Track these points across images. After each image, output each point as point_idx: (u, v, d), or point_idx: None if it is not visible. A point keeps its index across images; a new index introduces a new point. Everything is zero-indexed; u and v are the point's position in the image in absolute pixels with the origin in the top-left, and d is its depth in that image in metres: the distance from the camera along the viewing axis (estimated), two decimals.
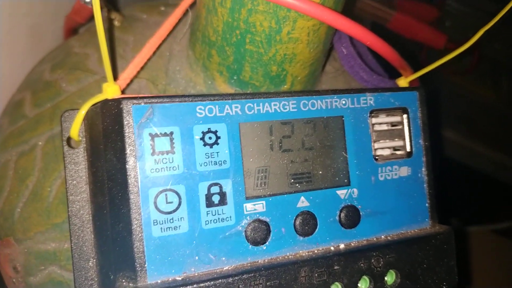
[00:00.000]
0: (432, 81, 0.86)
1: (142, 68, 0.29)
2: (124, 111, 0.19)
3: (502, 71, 0.90)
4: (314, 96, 0.23)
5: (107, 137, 0.20)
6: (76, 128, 0.23)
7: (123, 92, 0.25)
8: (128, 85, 0.26)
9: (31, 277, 0.27)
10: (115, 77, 0.27)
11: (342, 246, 0.23)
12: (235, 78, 0.27)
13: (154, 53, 0.29)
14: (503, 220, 0.89)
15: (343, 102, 0.24)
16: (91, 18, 0.38)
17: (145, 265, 0.19)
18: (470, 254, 0.89)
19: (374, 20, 0.58)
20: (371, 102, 0.24)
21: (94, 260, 0.23)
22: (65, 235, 0.27)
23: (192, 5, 0.28)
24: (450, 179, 0.85)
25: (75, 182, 0.23)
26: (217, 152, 0.21)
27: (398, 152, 0.25)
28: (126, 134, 0.19)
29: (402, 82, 0.29)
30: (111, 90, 0.23)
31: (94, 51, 0.32)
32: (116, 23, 0.34)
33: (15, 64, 0.39)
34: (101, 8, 0.34)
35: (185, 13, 0.28)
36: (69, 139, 0.23)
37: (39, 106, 0.30)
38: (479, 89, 0.86)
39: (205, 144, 0.21)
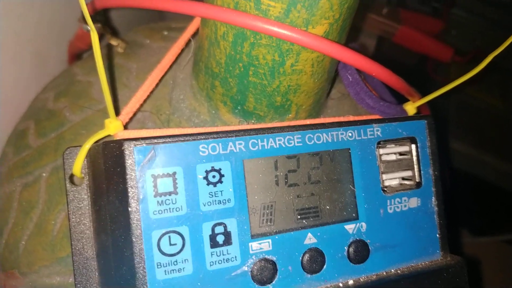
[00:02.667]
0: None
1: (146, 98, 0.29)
2: (126, 153, 0.19)
3: (510, 80, 0.89)
4: (320, 130, 0.23)
5: (109, 179, 0.20)
6: (78, 165, 0.22)
7: (126, 126, 0.25)
8: (130, 119, 0.26)
9: None
10: (118, 109, 0.27)
11: (351, 282, 0.23)
12: (239, 108, 0.26)
13: (158, 82, 0.29)
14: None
15: (349, 134, 0.23)
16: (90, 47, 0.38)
17: None
18: (481, 265, 0.87)
19: (381, 34, 0.58)
20: (378, 133, 0.24)
21: None
22: (70, 269, 0.26)
23: (194, 34, 0.28)
24: (458, 190, 0.84)
25: (78, 219, 0.23)
26: (221, 191, 0.20)
27: (407, 183, 0.25)
28: (128, 176, 0.19)
29: (410, 107, 0.28)
30: (113, 126, 0.22)
31: (97, 79, 0.32)
32: (119, 49, 0.34)
33: (20, 90, 0.39)
34: (104, 34, 0.34)
35: (188, 42, 0.28)
36: (71, 176, 0.23)
37: (43, 136, 0.30)
38: (487, 98, 0.85)
39: (208, 183, 0.20)
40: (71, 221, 0.23)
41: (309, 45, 0.21)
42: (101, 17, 0.33)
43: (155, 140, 0.20)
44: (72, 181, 0.23)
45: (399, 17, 0.56)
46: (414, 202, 0.25)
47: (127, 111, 0.24)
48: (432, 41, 0.55)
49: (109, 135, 0.23)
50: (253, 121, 0.27)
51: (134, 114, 0.25)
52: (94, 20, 0.32)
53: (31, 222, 0.28)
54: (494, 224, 0.89)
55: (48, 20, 0.39)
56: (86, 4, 0.28)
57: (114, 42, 0.34)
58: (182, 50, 0.29)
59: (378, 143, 0.24)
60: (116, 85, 0.31)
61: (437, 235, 0.25)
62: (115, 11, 0.47)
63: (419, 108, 0.29)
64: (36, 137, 0.31)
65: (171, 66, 0.30)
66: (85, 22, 0.31)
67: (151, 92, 0.27)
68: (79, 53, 0.40)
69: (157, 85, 0.28)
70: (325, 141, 0.23)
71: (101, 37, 0.36)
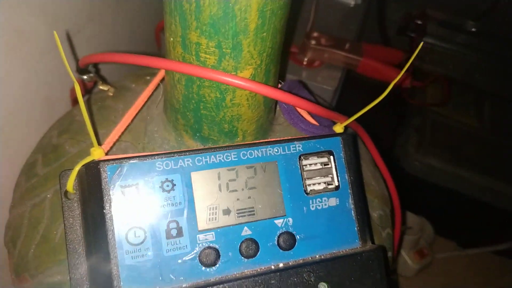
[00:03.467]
0: (418, 113, 0.92)
1: (127, 130, 0.36)
2: (101, 170, 0.26)
3: (484, 99, 0.95)
4: (252, 147, 0.30)
5: (90, 190, 0.27)
6: (70, 183, 0.30)
7: (107, 153, 0.32)
8: (112, 147, 0.33)
9: None
10: (102, 142, 0.34)
11: (281, 265, 0.29)
12: (197, 135, 0.34)
13: (136, 116, 0.37)
14: (499, 242, 0.91)
15: (276, 150, 0.30)
16: (92, 88, 0.46)
17: (120, 285, 0.26)
18: (471, 276, 0.91)
19: (345, 67, 0.65)
20: (300, 148, 0.31)
21: (87, 286, 0.29)
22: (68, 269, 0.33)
23: (162, 80, 0.36)
24: (442, 204, 0.88)
25: (71, 225, 0.30)
26: (174, 196, 0.28)
27: (329, 187, 0.32)
28: (103, 186, 0.26)
29: (338, 128, 0.35)
30: (96, 153, 0.30)
31: (92, 118, 0.40)
32: (109, 93, 0.42)
33: (31, 131, 0.47)
34: (97, 81, 0.42)
35: (158, 86, 0.36)
36: (66, 192, 0.31)
37: (48, 165, 0.38)
38: (463, 117, 0.91)
39: (163, 191, 0.27)
40: (66, 226, 0.30)
41: (236, 85, 0.28)
42: (93, 68, 0.41)
43: (122, 161, 0.27)
44: (66, 196, 0.31)
45: (361, 50, 0.64)
46: (333, 201, 0.31)
47: (108, 141, 0.32)
48: (391, 69, 0.62)
49: (93, 160, 0.30)
50: (210, 144, 0.34)
51: (115, 144, 0.33)
52: (87, 72, 0.40)
53: (38, 234, 0.35)
54: (480, 236, 0.93)
55: (55, 70, 0.48)
56: (78, 60, 0.36)
57: (104, 87, 0.42)
58: (156, 91, 0.37)
59: (300, 156, 0.31)
60: (106, 123, 0.39)
61: (356, 228, 0.31)
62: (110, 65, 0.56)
63: (349, 126, 0.36)
64: (43, 166, 0.38)
65: (149, 104, 0.38)
66: (80, 73, 0.40)
67: (130, 126, 0.35)
68: None
69: (135, 119, 0.36)
70: (256, 156, 0.30)
71: (95, 84, 0.44)
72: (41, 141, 0.43)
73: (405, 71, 0.64)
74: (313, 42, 0.63)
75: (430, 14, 0.98)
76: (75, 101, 0.48)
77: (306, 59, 0.65)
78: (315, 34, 0.64)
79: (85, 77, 0.41)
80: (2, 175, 0.43)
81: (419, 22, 0.95)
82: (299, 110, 0.36)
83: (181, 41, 0.29)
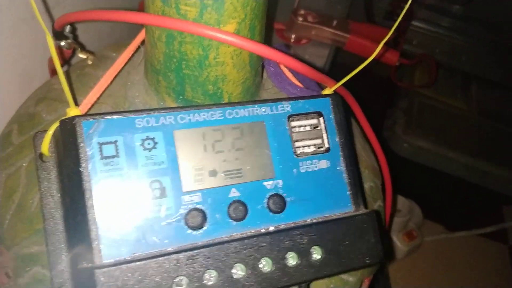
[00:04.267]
0: (406, 95, 0.92)
1: (107, 95, 0.35)
2: (77, 125, 0.25)
3: (471, 81, 0.95)
4: (238, 106, 0.28)
5: (65, 148, 0.25)
6: (45, 144, 0.28)
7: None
8: (90, 109, 0.31)
9: (19, 278, 0.32)
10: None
11: (271, 228, 0.28)
12: (180, 98, 0.32)
13: (116, 82, 0.35)
14: (487, 224, 0.92)
15: (263, 110, 0.29)
16: (70, 58, 0.44)
17: (100, 248, 0.24)
18: (459, 258, 0.91)
19: (333, 44, 0.64)
20: (288, 109, 0.30)
21: (66, 255, 0.28)
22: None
23: (143, 42, 0.34)
24: (430, 187, 0.88)
25: (47, 189, 0.28)
26: (155, 155, 0.26)
27: (319, 149, 0.30)
28: (79, 143, 0.24)
29: (327, 91, 0.34)
30: (72, 113, 0.28)
31: (69, 85, 0.38)
32: (88, 61, 0.40)
33: (8, 104, 0.44)
34: (75, 48, 0.40)
35: (138, 48, 0.34)
36: (41, 155, 0.29)
37: (24, 134, 0.36)
38: (450, 100, 0.91)
39: (144, 149, 0.26)
40: (41, 190, 0.28)
41: (219, 39, 0.27)
42: (70, 34, 0.39)
43: (99, 116, 0.25)
44: (41, 159, 0.29)
45: (348, 28, 0.63)
46: (324, 164, 0.30)
47: (85, 102, 0.30)
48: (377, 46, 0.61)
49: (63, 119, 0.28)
50: None
51: (93, 106, 0.31)
52: (64, 37, 0.38)
53: (13, 203, 0.33)
54: (467, 219, 0.94)
55: (31, 42, 0.46)
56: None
57: (83, 55, 0.40)
58: (136, 57, 0.35)
59: (289, 117, 0.30)
60: (84, 89, 0.37)
61: (348, 192, 0.30)
62: (92, 33, 0.54)
63: (335, 91, 0.35)
64: (18, 135, 0.36)
65: (129, 70, 0.36)
66: (57, 38, 0.38)
67: (109, 89, 0.33)
68: None
69: (115, 84, 0.34)
70: (243, 116, 0.28)
71: (73, 54, 0.42)
72: (18, 112, 0.40)
73: (393, 50, 0.63)
74: (300, 19, 0.62)
75: None
76: (53, 72, 0.46)
77: (293, 36, 0.63)
78: (302, 11, 0.63)
79: (62, 43, 0.39)
80: None
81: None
82: (286, 73, 0.34)
83: None
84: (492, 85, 0.95)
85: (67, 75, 0.41)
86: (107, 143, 0.25)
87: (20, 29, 0.44)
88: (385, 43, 0.66)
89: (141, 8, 0.63)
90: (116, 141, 0.25)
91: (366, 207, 0.32)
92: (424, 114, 0.85)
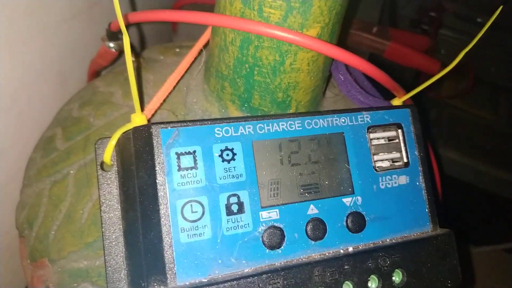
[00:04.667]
0: (435, 106, 0.90)
1: (164, 102, 0.33)
2: (154, 134, 0.23)
3: (500, 93, 0.93)
4: (317, 116, 0.26)
5: (138, 158, 0.23)
6: (108, 153, 0.26)
7: (148, 121, 0.28)
8: (152, 116, 0.29)
9: None
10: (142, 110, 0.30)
11: (350, 249, 0.26)
12: (246, 105, 0.30)
13: (174, 88, 0.33)
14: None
15: (343, 120, 0.27)
16: (114, 61, 0.42)
17: (174, 269, 0.22)
18: (483, 274, 0.89)
19: (372, 51, 0.62)
20: (368, 120, 0.28)
21: (126, 271, 0.25)
22: (96, 253, 0.29)
23: (205, 45, 0.32)
24: (458, 200, 0.86)
25: (108, 201, 0.26)
26: (234, 167, 0.24)
27: (397, 164, 0.28)
28: (156, 153, 0.22)
29: (396, 102, 0.32)
30: (139, 120, 0.26)
31: (118, 89, 0.36)
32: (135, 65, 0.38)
33: (44, 105, 0.42)
34: (123, 51, 0.38)
35: (200, 53, 0.32)
36: (102, 164, 0.27)
37: (70, 139, 0.34)
38: (479, 111, 0.89)
39: (223, 160, 0.24)
40: (102, 202, 0.26)
41: (304, 44, 0.25)
42: (121, 35, 0.37)
43: (178, 124, 0.23)
44: (102, 168, 0.27)
45: (388, 35, 0.61)
46: (403, 179, 0.28)
47: (150, 108, 0.28)
48: (420, 55, 0.59)
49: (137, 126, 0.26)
50: None
51: (155, 112, 0.29)
52: (116, 38, 0.36)
53: (60, 213, 0.31)
54: (495, 233, 0.91)
55: (69, 42, 0.44)
56: (111, 23, 0.32)
57: (132, 58, 0.38)
58: (194, 61, 0.33)
59: (368, 128, 0.28)
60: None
61: (426, 210, 0.28)
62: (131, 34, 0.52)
63: (404, 103, 0.33)
64: (64, 141, 0.34)
65: (184, 75, 0.34)
66: (108, 39, 0.36)
67: (168, 97, 0.31)
68: (98, 71, 0.44)
69: (173, 90, 0.32)
70: (321, 126, 0.26)
71: (120, 54, 0.40)
72: (59, 115, 0.38)
73: (435, 59, 0.61)
74: None
75: (446, 6, 0.96)
76: (93, 75, 0.44)
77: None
78: None
79: (111, 44, 0.37)
80: (15, 150, 0.39)
81: (433, 14, 0.93)
82: (356, 81, 0.33)
83: None
84: None
85: (111, 77, 0.39)
86: (185, 153, 0.23)
87: (61, 29, 0.42)
88: (422, 51, 0.64)
89: (177, 7, 0.61)
90: (194, 152, 0.23)
91: (442, 225, 0.30)
92: (455, 125, 0.83)
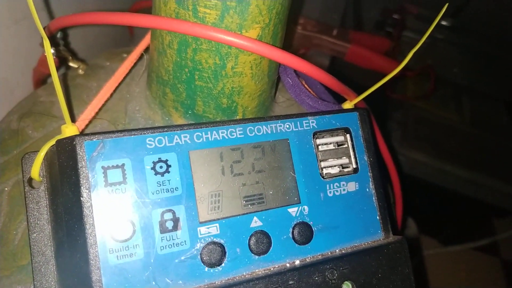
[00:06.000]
0: (400, 107, 0.90)
1: (104, 110, 0.31)
2: (77, 147, 0.21)
3: (463, 93, 0.95)
4: (260, 122, 0.25)
5: (62, 173, 0.21)
6: (36, 168, 0.24)
7: (82, 132, 0.26)
8: (87, 126, 0.28)
9: None
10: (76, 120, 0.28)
11: (297, 262, 0.24)
12: (189, 112, 0.29)
13: (114, 95, 0.31)
14: (481, 237, 0.91)
15: (287, 126, 0.26)
16: (58, 68, 0.40)
17: None
18: (453, 273, 0.89)
19: (333, 54, 0.62)
20: (314, 125, 0.26)
21: None
22: (30, 277, 0.27)
23: (146, 50, 0.31)
24: (424, 200, 0.87)
25: (36, 220, 0.24)
26: (169, 180, 0.22)
27: (345, 170, 0.27)
28: (80, 168, 0.21)
29: (347, 105, 0.31)
30: (69, 131, 0.24)
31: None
32: (80, 71, 0.36)
33: None
34: (65, 57, 0.36)
35: (141, 57, 0.31)
36: (30, 180, 0.25)
37: (6, 153, 0.31)
38: (443, 112, 0.90)
39: (156, 173, 0.22)
40: (30, 222, 0.24)
41: (242, 46, 0.24)
42: (61, 41, 0.35)
43: (104, 135, 0.21)
44: (30, 185, 0.24)
45: (349, 37, 0.60)
46: (352, 186, 0.27)
47: (83, 118, 0.26)
48: (380, 57, 0.59)
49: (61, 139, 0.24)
50: None
51: (90, 122, 0.27)
52: (54, 44, 0.34)
53: None
54: (463, 232, 0.92)
55: (14, 49, 0.41)
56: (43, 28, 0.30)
57: (74, 64, 0.36)
58: (137, 65, 0.31)
59: (314, 133, 0.26)
60: (77, 102, 0.33)
61: (377, 217, 0.27)
62: (80, 40, 0.50)
63: (356, 106, 0.32)
64: (0, 155, 0.32)
65: (128, 81, 0.32)
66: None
67: (106, 103, 0.29)
68: (43, 79, 0.42)
69: (114, 97, 0.30)
70: (265, 133, 0.25)
71: (63, 61, 0.38)
72: None
73: (394, 61, 0.61)
74: (299, 27, 0.60)
75: (408, 8, 0.97)
76: (38, 84, 0.42)
77: (292, 46, 0.61)
78: (302, 20, 0.61)
79: (52, 50, 0.35)
80: None
81: (397, 16, 0.94)
82: (304, 85, 0.31)
83: None
84: (483, 96, 0.95)
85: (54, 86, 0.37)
86: (113, 167, 0.21)
87: (3, 36, 0.39)
88: (384, 53, 0.64)
89: (133, 10, 0.59)
90: (123, 165, 0.21)
91: (395, 232, 0.29)
92: (419, 126, 0.83)
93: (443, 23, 0.97)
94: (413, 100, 0.86)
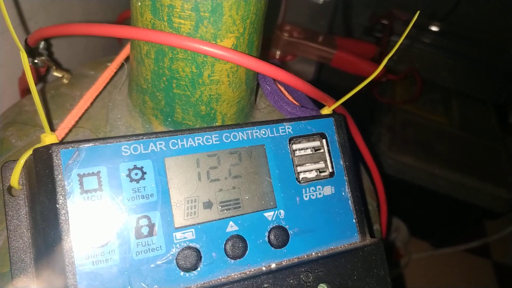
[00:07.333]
0: (388, 111, 0.91)
1: (86, 118, 0.31)
2: (53, 155, 0.21)
3: (451, 96, 0.96)
4: (235, 129, 0.26)
5: (39, 181, 0.22)
6: (15, 176, 0.24)
7: (62, 141, 0.27)
8: (68, 135, 0.28)
9: None
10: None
11: (273, 265, 0.25)
12: (169, 120, 0.29)
13: (96, 104, 0.32)
14: (473, 239, 0.91)
15: (263, 132, 0.26)
16: (43, 77, 0.41)
17: None
18: (445, 275, 0.90)
19: (319, 60, 0.62)
20: (289, 130, 0.27)
21: None
22: (11, 284, 0.27)
23: (127, 59, 0.31)
24: (414, 204, 0.87)
25: (16, 228, 0.24)
26: (144, 187, 0.23)
27: (322, 174, 0.28)
28: (56, 175, 0.21)
29: (326, 111, 0.32)
30: (48, 139, 0.24)
31: (44, 108, 0.34)
32: (64, 80, 0.37)
33: None
34: (49, 66, 0.37)
35: (122, 66, 0.31)
36: (10, 188, 0.25)
37: None
38: (432, 115, 0.91)
39: (131, 180, 0.23)
40: (9, 230, 0.24)
41: (216, 55, 0.24)
42: (45, 51, 0.36)
43: (80, 143, 0.22)
44: (10, 193, 0.25)
45: (335, 43, 0.61)
46: (328, 190, 0.27)
47: (63, 126, 0.27)
48: (366, 62, 0.60)
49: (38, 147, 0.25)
50: None
51: (70, 130, 0.28)
52: (38, 54, 0.35)
53: None
54: (454, 235, 0.93)
55: (2, 58, 0.42)
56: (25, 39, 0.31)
57: (58, 73, 0.36)
58: (117, 74, 0.32)
59: (290, 139, 0.27)
60: (60, 111, 0.34)
61: (354, 220, 0.28)
62: (69, 49, 0.50)
63: (335, 111, 0.33)
64: None
65: (110, 89, 0.33)
66: (31, 55, 0.34)
67: (88, 112, 0.30)
68: (29, 88, 0.42)
69: (95, 106, 0.31)
70: (241, 139, 0.26)
71: (47, 72, 0.39)
72: None
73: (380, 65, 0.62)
74: (285, 34, 0.60)
75: (396, 14, 0.98)
76: (24, 93, 0.42)
77: (278, 53, 0.61)
78: (288, 27, 0.61)
79: (36, 60, 0.36)
80: None
81: (386, 22, 0.95)
82: (283, 92, 0.32)
83: (151, 4, 0.24)
84: (472, 100, 0.96)
85: (41, 95, 0.37)
86: (88, 174, 0.22)
87: None
88: (371, 59, 0.65)
89: (119, 21, 0.60)
90: (99, 172, 0.22)
91: (372, 235, 0.29)
92: (408, 130, 0.84)
93: (432, 28, 0.99)
94: (401, 104, 0.87)
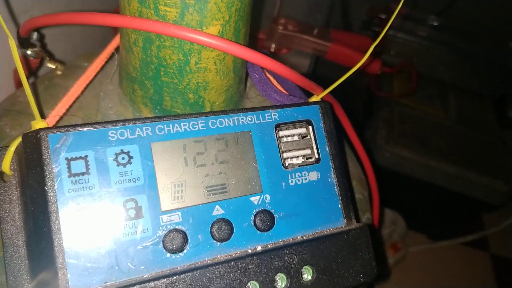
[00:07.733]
0: (386, 105, 0.92)
1: (78, 108, 0.32)
2: (41, 139, 0.22)
3: (448, 90, 0.96)
4: (222, 115, 0.26)
5: (28, 165, 0.22)
6: (7, 162, 0.25)
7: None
8: (59, 123, 0.29)
9: None
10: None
11: (259, 248, 0.25)
12: (158, 108, 0.30)
13: (88, 93, 0.32)
14: (471, 232, 0.92)
15: (249, 118, 0.27)
16: (37, 69, 0.41)
17: (67, 277, 0.21)
18: (443, 268, 0.90)
19: (314, 53, 0.63)
20: (276, 117, 0.28)
21: (29, 285, 0.24)
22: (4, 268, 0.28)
23: (117, 49, 0.32)
24: (413, 196, 0.88)
25: (8, 212, 0.25)
26: (131, 171, 0.23)
27: (309, 160, 0.28)
28: (44, 159, 0.22)
29: (314, 99, 0.32)
30: (38, 126, 0.25)
31: (37, 98, 0.35)
32: (58, 72, 0.37)
33: None
34: (43, 58, 0.37)
35: (112, 56, 0.32)
36: (1, 173, 0.26)
37: None
38: (429, 108, 0.91)
39: (118, 164, 0.23)
40: (1, 214, 0.25)
41: (202, 42, 0.25)
42: (38, 42, 0.36)
43: (68, 128, 0.22)
44: (2, 178, 0.26)
45: (329, 36, 0.62)
46: (314, 176, 0.28)
47: (53, 114, 0.27)
48: (360, 54, 0.60)
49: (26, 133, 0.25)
50: None
51: (61, 118, 0.28)
52: (31, 45, 0.35)
53: None
54: (451, 228, 0.93)
55: None
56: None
57: (52, 65, 0.37)
58: (108, 63, 0.32)
59: (276, 126, 0.28)
60: (54, 101, 0.34)
61: (339, 205, 0.28)
62: (66, 40, 0.51)
63: (323, 100, 0.33)
64: None
65: (102, 79, 0.33)
66: (23, 46, 0.35)
67: (80, 101, 0.30)
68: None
69: (86, 96, 0.31)
70: (227, 125, 0.26)
71: (41, 61, 0.39)
72: None
73: (376, 58, 0.62)
74: (280, 27, 0.61)
75: (394, 8, 0.98)
76: (19, 84, 0.43)
77: (273, 46, 0.62)
78: (283, 20, 0.62)
79: (29, 52, 0.36)
80: None
81: (383, 16, 0.95)
82: (271, 81, 0.33)
83: None
84: (469, 93, 0.96)
85: (34, 86, 0.38)
86: (76, 158, 0.22)
87: None
88: (365, 51, 0.66)
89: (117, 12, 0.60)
90: (86, 156, 0.23)
91: (358, 221, 0.30)
92: (405, 123, 0.85)
93: (429, 22, 0.99)
94: (398, 98, 0.87)
